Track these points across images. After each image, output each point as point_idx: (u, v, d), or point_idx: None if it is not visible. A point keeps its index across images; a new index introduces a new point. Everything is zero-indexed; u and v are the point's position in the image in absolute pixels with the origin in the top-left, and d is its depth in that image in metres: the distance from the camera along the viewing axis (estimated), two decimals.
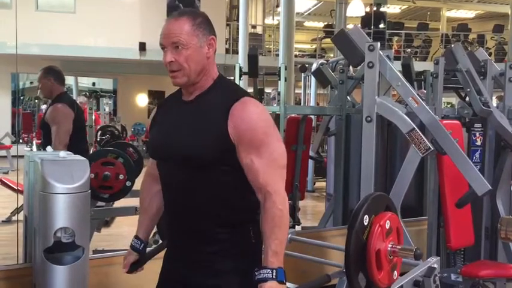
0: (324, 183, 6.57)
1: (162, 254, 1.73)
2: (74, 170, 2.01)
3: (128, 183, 3.14)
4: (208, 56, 1.52)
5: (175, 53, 1.49)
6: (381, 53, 2.58)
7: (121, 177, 3.08)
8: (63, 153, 2.12)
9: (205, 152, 1.46)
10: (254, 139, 1.45)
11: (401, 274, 1.95)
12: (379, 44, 2.55)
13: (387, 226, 1.69)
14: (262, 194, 1.46)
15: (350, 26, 11.21)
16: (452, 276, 2.68)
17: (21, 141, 9.59)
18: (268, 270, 1.42)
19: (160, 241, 2.16)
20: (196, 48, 1.49)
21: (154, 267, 1.85)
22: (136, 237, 1.75)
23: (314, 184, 7.55)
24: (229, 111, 1.46)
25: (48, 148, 2.43)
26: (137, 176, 3.59)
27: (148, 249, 1.79)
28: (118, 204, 3.56)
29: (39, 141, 7.45)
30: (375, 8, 11.93)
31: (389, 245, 1.68)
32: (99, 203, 3.36)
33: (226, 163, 1.48)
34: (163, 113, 1.64)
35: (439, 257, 2.02)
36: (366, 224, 1.65)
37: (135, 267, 1.76)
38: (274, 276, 1.41)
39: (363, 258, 1.64)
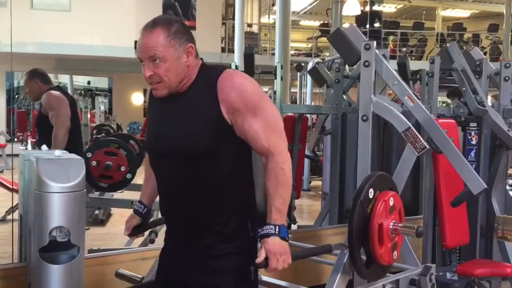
0: (319, 182, 6.58)
1: (158, 252, 1.73)
2: (69, 169, 2.00)
3: (129, 176, 3.15)
4: (188, 64, 1.51)
5: (153, 66, 1.48)
6: (377, 52, 2.58)
7: (122, 168, 3.09)
8: (58, 152, 2.11)
9: (200, 143, 1.46)
10: (248, 103, 1.46)
11: (397, 272, 1.96)
12: (375, 43, 2.55)
13: (391, 203, 1.71)
14: (265, 156, 1.49)
15: (346, 25, 11.22)
16: (448, 275, 2.69)
17: (15, 139, 9.55)
18: (271, 226, 1.45)
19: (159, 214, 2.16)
20: (174, 60, 1.48)
21: (150, 265, 1.85)
22: (139, 201, 1.78)
23: (310, 183, 7.55)
24: (216, 87, 1.46)
25: (44, 147, 2.42)
26: (137, 168, 3.58)
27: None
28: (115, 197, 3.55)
29: (34, 139, 7.43)
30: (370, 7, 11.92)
31: (392, 223, 1.70)
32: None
33: (222, 153, 1.48)
34: (155, 105, 1.62)
35: (434, 265, 2.02)
36: (371, 197, 1.67)
37: (136, 231, 1.79)
38: (277, 232, 1.44)
39: (366, 232, 1.66)
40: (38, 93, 3.53)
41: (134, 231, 1.79)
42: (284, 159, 1.48)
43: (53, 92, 3.46)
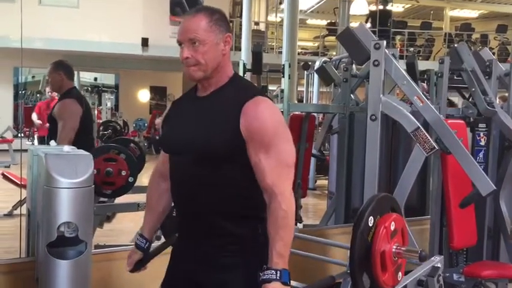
0: (325, 181, 6.57)
1: (166, 250, 1.73)
2: (78, 164, 2.00)
3: (131, 179, 3.14)
4: (224, 52, 1.53)
5: (192, 49, 1.50)
6: (387, 52, 2.57)
7: (123, 173, 3.08)
8: (67, 148, 2.12)
9: (216, 148, 1.47)
10: (264, 138, 1.45)
11: (405, 273, 1.95)
12: (385, 42, 2.54)
13: (392, 228, 1.69)
14: (268, 194, 1.47)
15: (353, 24, 11.19)
16: (455, 276, 2.68)
17: (22, 135, 9.60)
18: (273, 271, 1.42)
19: (163, 237, 2.16)
20: (212, 45, 1.50)
21: (156, 263, 1.85)
22: (141, 235, 1.75)
23: (315, 182, 7.55)
24: (241, 109, 1.46)
25: (52, 142, 2.42)
26: (139, 171, 3.59)
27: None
28: (120, 200, 3.57)
29: (36, 134, 7.46)
30: (381, 7, 11.86)
31: (394, 247, 1.68)
32: (102, 199, 3.36)
33: (237, 160, 1.48)
34: (177, 109, 1.65)
35: (442, 256, 2.02)
36: (371, 225, 1.65)
37: (138, 266, 1.76)
38: (278, 277, 1.42)
39: (368, 260, 1.64)
40: (60, 85, 3.50)
41: (137, 266, 1.76)
42: (287, 200, 1.45)
43: (68, 101, 3.42)
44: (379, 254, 1.64)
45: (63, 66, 3.55)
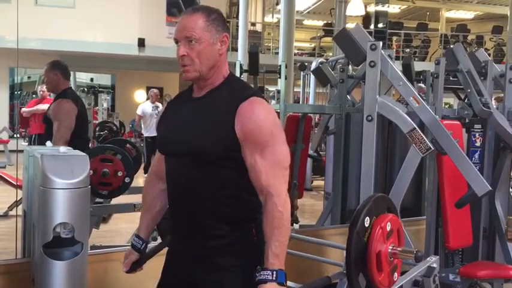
0: (321, 182, 6.57)
1: (162, 251, 1.73)
2: (74, 165, 1.99)
3: (127, 180, 3.13)
4: (221, 52, 1.53)
5: (188, 47, 1.50)
6: (383, 53, 2.58)
7: (120, 173, 3.08)
8: (63, 149, 2.11)
9: (211, 149, 1.47)
10: (259, 140, 1.45)
11: (401, 273, 1.95)
12: (381, 43, 2.55)
13: (388, 228, 1.69)
14: (264, 196, 1.47)
15: (349, 25, 11.21)
16: (451, 276, 2.69)
17: (18, 135, 9.56)
18: (269, 272, 1.43)
19: (159, 238, 2.16)
20: (208, 44, 1.50)
21: (152, 263, 1.85)
22: (137, 236, 1.75)
23: (312, 183, 7.55)
24: (236, 110, 1.46)
25: (48, 143, 2.41)
26: (136, 172, 3.59)
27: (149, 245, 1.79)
28: (116, 200, 3.56)
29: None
30: (377, 7, 11.89)
31: (390, 247, 1.69)
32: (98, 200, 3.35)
33: (232, 160, 1.48)
34: (173, 109, 1.65)
35: (438, 256, 2.03)
36: (367, 225, 1.65)
37: (135, 266, 1.76)
38: (274, 278, 1.42)
39: (364, 260, 1.64)
40: (56, 84, 3.50)
41: (133, 267, 1.75)
42: (283, 201, 1.46)
43: (63, 101, 3.41)
44: (375, 254, 1.64)
45: (59, 66, 3.54)
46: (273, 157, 1.46)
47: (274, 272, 1.42)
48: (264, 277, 1.42)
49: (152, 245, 1.87)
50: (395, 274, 1.73)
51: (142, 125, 8.62)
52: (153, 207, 1.74)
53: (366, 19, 11.68)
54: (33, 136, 6.33)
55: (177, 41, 1.52)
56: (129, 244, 1.80)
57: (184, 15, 1.53)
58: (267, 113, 1.49)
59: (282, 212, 1.45)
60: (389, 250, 1.68)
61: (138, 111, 8.63)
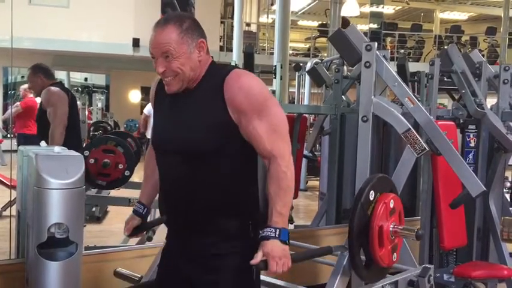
0: (316, 182, 6.58)
1: (156, 250, 1.72)
2: (68, 165, 1.99)
3: (127, 173, 3.14)
4: (200, 59, 1.53)
5: (166, 62, 1.49)
6: (378, 53, 2.58)
7: (120, 166, 3.08)
8: (57, 148, 2.10)
9: (206, 143, 1.47)
10: (253, 105, 1.46)
11: (395, 273, 1.96)
12: (376, 44, 2.55)
13: (391, 205, 1.71)
14: (268, 159, 1.48)
15: None
16: (445, 277, 2.70)
17: (12, 135, 9.50)
18: (272, 229, 1.44)
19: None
20: (187, 56, 1.49)
21: (147, 262, 1.85)
22: (139, 202, 1.79)
23: (306, 183, 7.56)
24: (223, 88, 1.46)
25: (42, 143, 2.40)
26: (135, 166, 3.57)
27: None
28: (113, 194, 3.55)
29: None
30: (371, 8, 11.90)
31: (392, 225, 1.71)
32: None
33: (227, 155, 1.48)
34: (162, 100, 1.62)
35: (433, 266, 2.03)
36: (371, 199, 1.67)
37: (136, 231, 1.81)
38: (277, 235, 1.43)
39: (366, 233, 1.66)
40: (41, 88, 3.49)
41: (134, 232, 1.81)
42: (287, 163, 1.48)
43: (53, 88, 3.43)
44: (378, 228, 1.66)
45: (41, 68, 3.55)
46: (271, 120, 1.48)
47: (278, 230, 1.44)
48: (267, 234, 1.44)
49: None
50: (395, 254, 1.75)
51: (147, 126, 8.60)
52: (153, 175, 1.74)
53: (345, 23, 11.65)
54: (17, 135, 6.36)
55: (153, 57, 1.50)
56: (125, 245, 1.81)
57: (156, 29, 1.50)
58: (253, 81, 1.50)
59: (285, 172, 1.46)
60: (391, 228, 1.70)
61: (145, 111, 8.63)
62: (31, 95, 6.06)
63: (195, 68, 1.51)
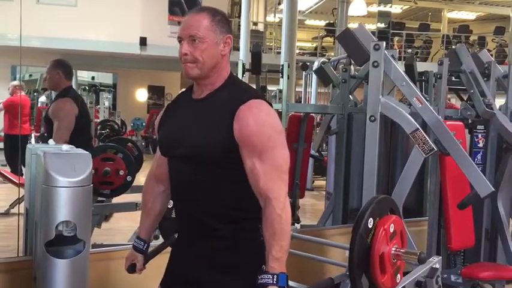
0: (322, 182, 6.57)
1: (166, 249, 1.73)
2: (76, 163, 1.99)
3: (129, 178, 3.13)
4: (223, 53, 1.53)
5: (191, 46, 1.50)
6: (386, 53, 2.58)
7: (121, 172, 3.08)
8: (66, 147, 2.11)
9: (211, 151, 1.47)
10: (257, 144, 1.44)
11: (404, 273, 1.95)
12: (384, 43, 2.54)
13: (391, 229, 1.69)
14: (263, 200, 1.45)
15: (351, 25, 11.20)
16: (452, 277, 2.68)
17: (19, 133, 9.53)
18: (269, 275, 1.42)
19: (161, 237, 2.16)
20: (212, 44, 1.50)
21: (154, 262, 1.85)
22: (138, 237, 1.76)
23: (313, 182, 7.55)
24: (235, 114, 1.45)
25: (51, 141, 2.41)
26: (137, 171, 3.58)
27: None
28: (118, 199, 3.56)
29: (38, 133, 7.39)
30: (379, 7, 11.88)
31: (393, 249, 1.68)
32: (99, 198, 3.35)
33: (232, 162, 1.47)
34: (173, 111, 1.64)
35: (440, 257, 2.02)
36: (370, 227, 1.65)
37: (134, 268, 1.77)
38: (275, 282, 1.41)
39: (367, 261, 1.64)
40: (57, 83, 3.49)
41: (135, 268, 1.77)
42: (282, 205, 1.44)
43: (62, 100, 3.40)
44: (379, 256, 1.64)
45: (62, 65, 3.54)
46: (272, 161, 1.45)
47: (275, 276, 1.41)
48: (264, 281, 1.42)
49: (154, 243, 1.87)
50: (398, 275, 1.73)
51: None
52: (153, 209, 1.74)
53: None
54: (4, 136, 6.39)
55: (180, 40, 1.53)
56: (131, 243, 1.80)
57: (190, 14, 1.54)
58: (266, 117, 1.46)
59: (280, 215, 1.43)
60: (393, 252, 1.68)
61: None
62: (22, 92, 6.03)
63: (216, 59, 1.51)
